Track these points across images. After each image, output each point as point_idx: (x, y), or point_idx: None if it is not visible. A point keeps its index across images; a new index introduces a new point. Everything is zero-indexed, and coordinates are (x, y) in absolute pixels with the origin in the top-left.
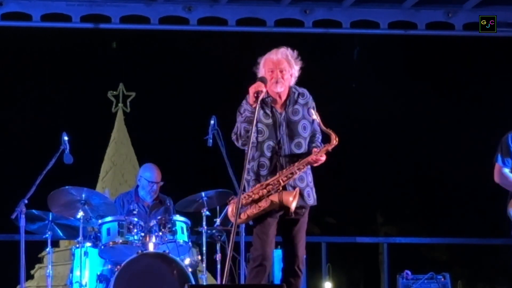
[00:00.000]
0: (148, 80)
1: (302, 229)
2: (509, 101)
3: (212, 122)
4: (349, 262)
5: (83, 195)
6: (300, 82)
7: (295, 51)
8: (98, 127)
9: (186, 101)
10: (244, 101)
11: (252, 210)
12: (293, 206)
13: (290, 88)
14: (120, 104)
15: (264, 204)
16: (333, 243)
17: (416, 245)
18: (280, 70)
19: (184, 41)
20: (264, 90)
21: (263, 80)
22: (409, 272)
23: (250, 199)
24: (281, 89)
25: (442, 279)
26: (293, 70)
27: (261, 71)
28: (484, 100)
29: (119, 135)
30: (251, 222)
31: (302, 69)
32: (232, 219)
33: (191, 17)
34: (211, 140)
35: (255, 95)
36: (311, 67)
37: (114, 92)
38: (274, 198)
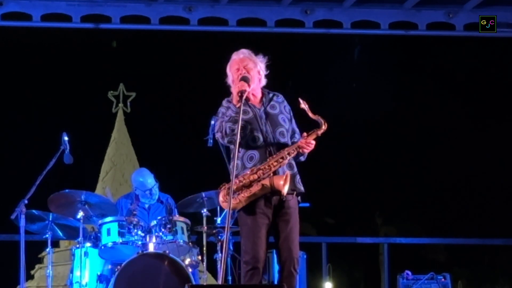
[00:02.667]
0: (149, 80)
1: (295, 229)
2: (509, 101)
3: (212, 122)
4: (349, 262)
5: (82, 197)
6: (301, 81)
7: (259, 54)
8: (98, 127)
9: (186, 101)
10: (220, 107)
11: (244, 194)
12: (285, 190)
13: (263, 89)
14: (121, 104)
15: (255, 188)
16: (333, 243)
17: (416, 245)
18: (244, 66)
19: (184, 41)
20: (248, 89)
21: (246, 79)
22: (409, 272)
23: (241, 184)
24: (252, 85)
25: (443, 279)
26: (259, 66)
27: (230, 76)
28: (485, 100)
29: (119, 135)
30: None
31: (275, 68)
32: (223, 205)
33: (191, 17)
34: (211, 140)
35: (239, 94)
36: (311, 67)
37: (115, 92)
38: (266, 182)
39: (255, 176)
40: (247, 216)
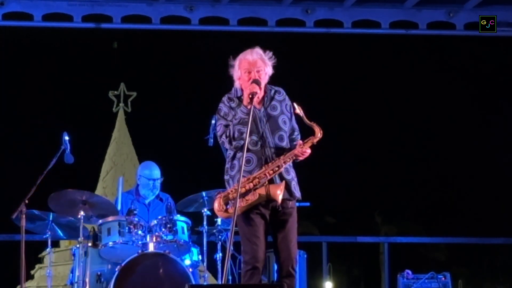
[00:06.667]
0: (149, 80)
1: (293, 229)
2: (510, 101)
3: (213, 121)
4: (349, 261)
5: (84, 197)
6: (301, 81)
7: (267, 51)
8: (99, 127)
9: (187, 101)
10: (221, 104)
11: (240, 204)
12: (279, 198)
13: (265, 86)
14: (121, 104)
15: (251, 197)
16: (333, 243)
17: (416, 244)
18: (257, 70)
19: (185, 41)
20: (259, 91)
21: (257, 82)
22: (409, 272)
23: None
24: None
25: (443, 279)
26: (268, 68)
27: (237, 72)
28: (485, 99)
29: (120, 134)
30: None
31: (275, 68)
32: (219, 214)
33: (192, 17)
34: (212, 140)
35: (250, 96)
36: (311, 67)
37: (115, 92)
38: (261, 191)
39: (251, 185)
40: (245, 216)
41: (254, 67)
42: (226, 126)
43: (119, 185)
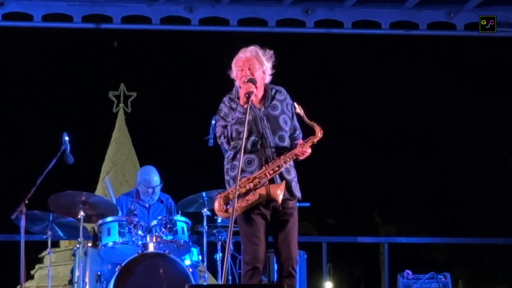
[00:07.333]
0: (149, 80)
1: (294, 229)
2: (509, 101)
3: (213, 122)
4: (350, 262)
5: (83, 198)
6: (301, 81)
7: (268, 50)
8: (99, 127)
9: (187, 101)
10: (222, 105)
11: (240, 204)
12: (280, 198)
13: (265, 85)
14: (121, 104)
15: (251, 197)
16: (333, 243)
17: (416, 244)
18: (249, 67)
19: (185, 42)
20: (255, 90)
21: (253, 81)
22: (409, 272)
23: (238, 193)
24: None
25: (443, 279)
26: (264, 67)
27: (233, 71)
28: (485, 99)
29: (120, 135)
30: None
31: (275, 68)
32: (219, 214)
33: (192, 17)
34: (212, 140)
35: (246, 95)
36: (312, 67)
37: (115, 92)
38: (262, 191)
39: (251, 185)
40: (245, 216)
41: (246, 64)
42: (225, 127)
43: (108, 187)
